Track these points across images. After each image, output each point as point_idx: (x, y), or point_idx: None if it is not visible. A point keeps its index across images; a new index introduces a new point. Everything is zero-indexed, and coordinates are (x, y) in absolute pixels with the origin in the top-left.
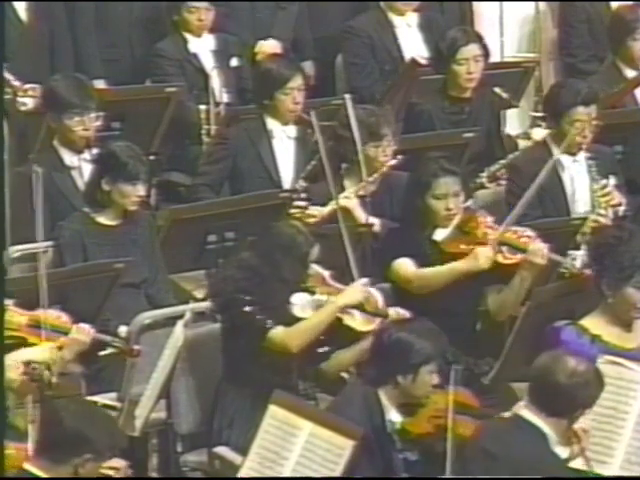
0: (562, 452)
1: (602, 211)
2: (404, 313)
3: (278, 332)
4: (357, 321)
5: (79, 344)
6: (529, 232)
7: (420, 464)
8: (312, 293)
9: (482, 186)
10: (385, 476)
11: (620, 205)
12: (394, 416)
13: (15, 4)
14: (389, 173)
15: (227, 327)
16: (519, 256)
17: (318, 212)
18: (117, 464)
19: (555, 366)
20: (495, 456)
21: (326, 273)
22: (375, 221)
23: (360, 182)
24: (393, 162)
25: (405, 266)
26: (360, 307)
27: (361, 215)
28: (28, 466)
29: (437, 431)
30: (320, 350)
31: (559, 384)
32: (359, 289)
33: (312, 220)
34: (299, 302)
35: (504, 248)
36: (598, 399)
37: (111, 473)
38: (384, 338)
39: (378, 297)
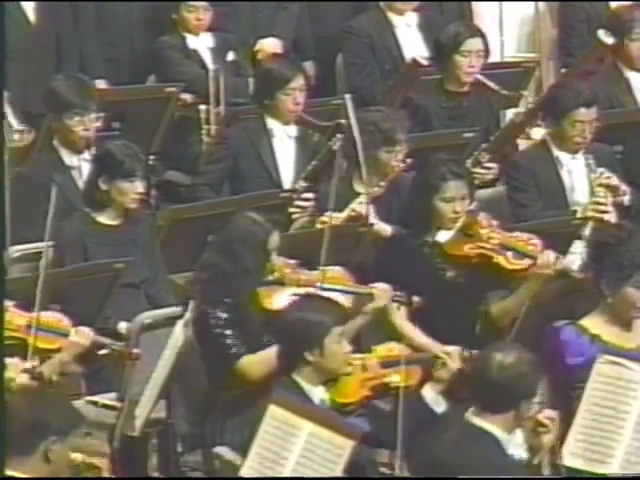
0: (517, 451)
1: (601, 194)
2: (385, 287)
3: (243, 362)
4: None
5: (78, 347)
6: (535, 238)
7: (374, 433)
8: (282, 284)
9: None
10: None
11: (622, 192)
12: (320, 394)
13: (24, 5)
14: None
15: (202, 333)
16: (525, 262)
17: (334, 218)
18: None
19: (484, 364)
20: (453, 466)
21: (292, 262)
22: (386, 227)
23: (368, 184)
24: (403, 166)
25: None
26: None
27: (374, 221)
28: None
29: (374, 392)
30: None
31: (491, 380)
32: None
33: (326, 225)
34: (279, 297)
35: (509, 253)
36: (538, 387)
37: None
38: (282, 322)
39: (345, 274)
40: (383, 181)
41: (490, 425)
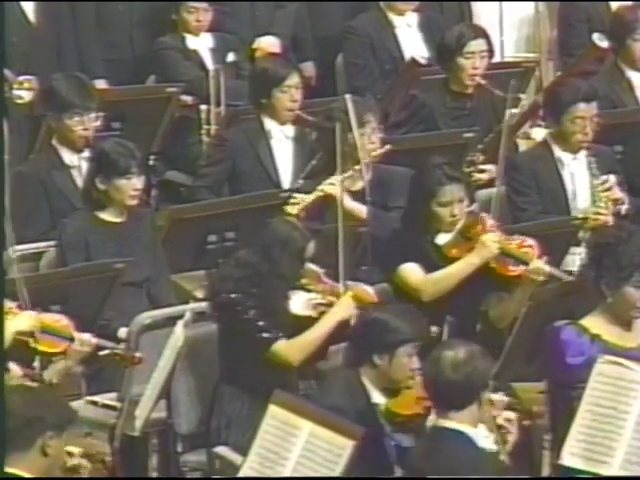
0: (485, 442)
1: (602, 204)
2: None
3: (281, 346)
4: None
5: (81, 353)
6: (530, 241)
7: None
8: (308, 291)
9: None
10: (378, 462)
11: (621, 201)
12: (378, 398)
13: (24, 6)
14: (378, 167)
15: (225, 328)
16: (518, 268)
17: (302, 199)
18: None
19: (437, 365)
20: (427, 473)
21: (321, 271)
22: (361, 207)
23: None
24: (382, 151)
25: (414, 273)
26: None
27: (348, 202)
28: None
29: (426, 412)
30: None
31: (448, 380)
32: (352, 303)
33: (295, 207)
34: (297, 300)
35: (505, 259)
36: (491, 373)
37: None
38: (362, 318)
39: (372, 294)
40: (357, 165)
41: (457, 423)
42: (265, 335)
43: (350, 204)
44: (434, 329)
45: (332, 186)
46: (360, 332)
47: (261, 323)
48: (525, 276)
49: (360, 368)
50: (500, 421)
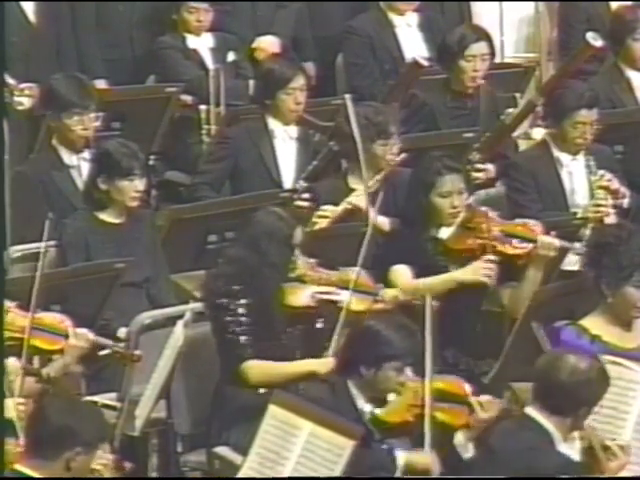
0: (567, 451)
1: (601, 196)
2: (395, 292)
3: (248, 364)
4: (350, 301)
5: (79, 350)
6: (533, 222)
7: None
8: (303, 282)
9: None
10: (370, 463)
11: (622, 195)
12: (363, 405)
13: (24, 6)
14: (391, 170)
15: (218, 328)
16: (528, 246)
17: (331, 211)
18: (105, 460)
19: (556, 364)
20: (498, 454)
21: (312, 261)
22: (384, 220)
23: (362, 180)
24: (398, 160)
25: (403, 276)
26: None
27: (372, 214)
28: (19, 467)
29: (417, 420)
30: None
31: (560, 382)
32: (331, 363)
33: (325, 220)
34: (297, 294)
35: (511, 239)
36: (602, 397)
37: (100, 468)
38: (355, 326)
39: (366, 277)
40: (378, 175)
41: (546, 422)
42: (239, 351)
43: (376, 219)
44: (434, 303)
45: (359, 198)
46: (351, 339)
47: (242, 332)
48: (535, 253)
49: (346, 376)
50: (609, 442)
